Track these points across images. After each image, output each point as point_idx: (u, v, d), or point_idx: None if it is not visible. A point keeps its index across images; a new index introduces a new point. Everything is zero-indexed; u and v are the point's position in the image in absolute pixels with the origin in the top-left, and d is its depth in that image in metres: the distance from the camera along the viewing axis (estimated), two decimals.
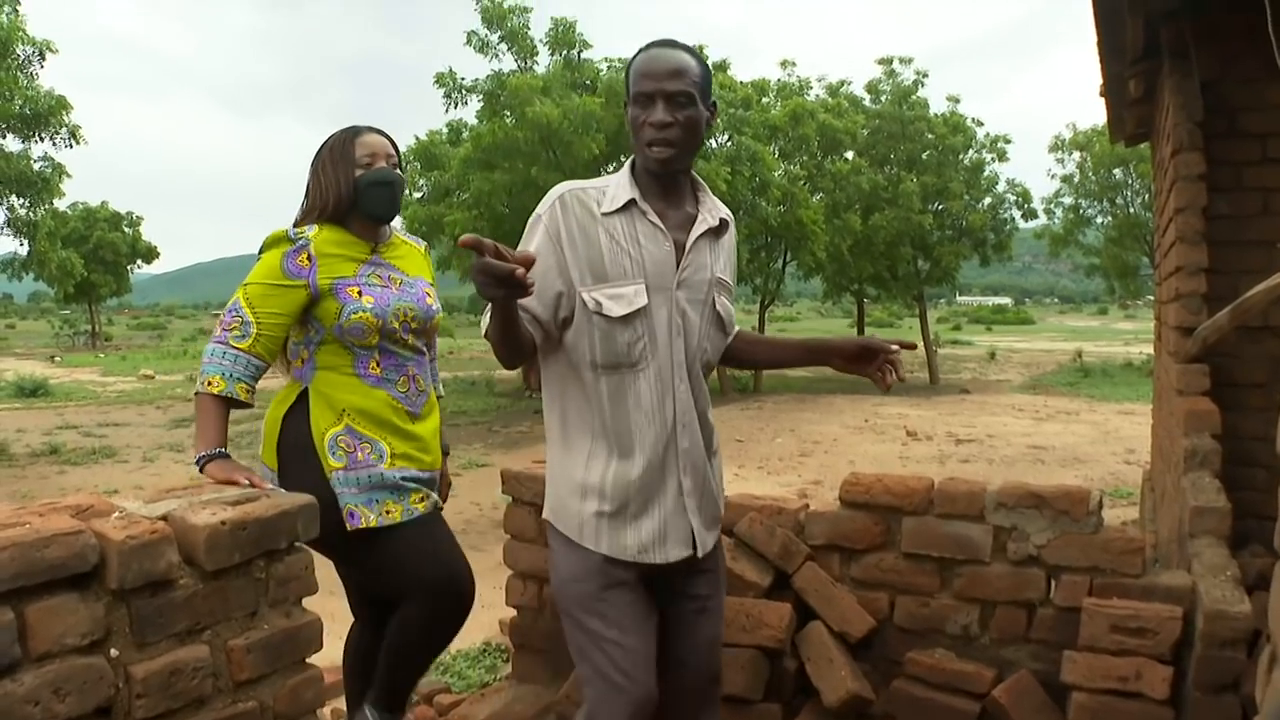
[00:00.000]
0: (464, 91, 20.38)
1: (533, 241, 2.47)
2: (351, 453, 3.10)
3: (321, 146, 3.27)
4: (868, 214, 27.53)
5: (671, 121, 2.47)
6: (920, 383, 29.21)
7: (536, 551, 3.95)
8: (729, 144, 22.80)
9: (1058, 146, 34.53)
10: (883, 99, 29.83)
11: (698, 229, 2.61)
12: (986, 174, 30.10)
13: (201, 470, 2.95)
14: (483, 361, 35.16)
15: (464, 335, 56.37)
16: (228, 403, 3.02)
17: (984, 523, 3.59)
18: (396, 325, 3.17)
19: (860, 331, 34.27)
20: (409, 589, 3.18)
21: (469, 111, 22.51)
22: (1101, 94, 6.79)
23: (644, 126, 2.49)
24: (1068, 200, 34.94)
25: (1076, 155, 34.16)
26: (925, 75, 29.60)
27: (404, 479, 3.16)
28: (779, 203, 23.51)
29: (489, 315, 2.34)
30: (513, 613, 4.30)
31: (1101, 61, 5.88)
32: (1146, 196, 31.57)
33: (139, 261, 56.63)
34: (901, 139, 28.98)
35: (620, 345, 2.49)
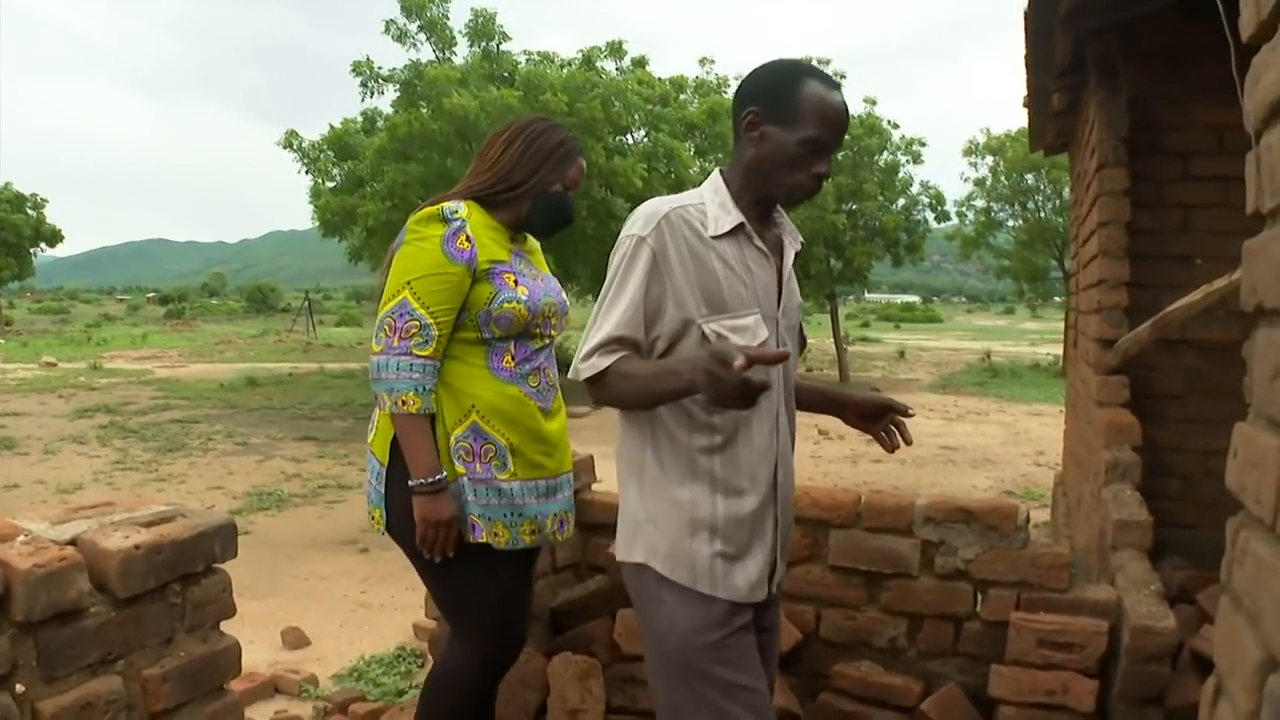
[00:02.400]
0: (381, 81, 20.15)
1: (638, 265, 2.30)
2: (470, 462, 2.88)
3: (540, 129, 3.04)
4: None
5: (828, 175, 2.42)
6: (830, 380, 29.42)
7: None
8: (645, 140, 22.76)
9: (971, 150, 35.00)
10: None
11: (789, 253, 2.55)
12: (901, 176, 30.34)
13: (413, 494, 2.81)
14: None
15: (372, 325, 55.93)
16: (429, 419, 2.84)
17: (912, 536, 3.58)
18: (540, 321, 2.98)
19: None
20: (466, 624, 3.02)
21: (385, 101, 22.28)
22: (1025, 104, 6.87)
23: (803, 171, 2.36)
24: (980, 203, 35.48)
25: (989, 159, 34.68)
26: (843, 76, 29.75)
27: (523, 498, 2.95)
28: None
29: (626, 373, 2.27)
30: (422, 614, 4.22)
31: (1028, 73, 5.95)
32: (1057, 202, 32.12)
33: (42, 244, 55.37)
34: None
35: None
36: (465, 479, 2.86)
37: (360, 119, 22.65)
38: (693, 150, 25.00)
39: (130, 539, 2.37)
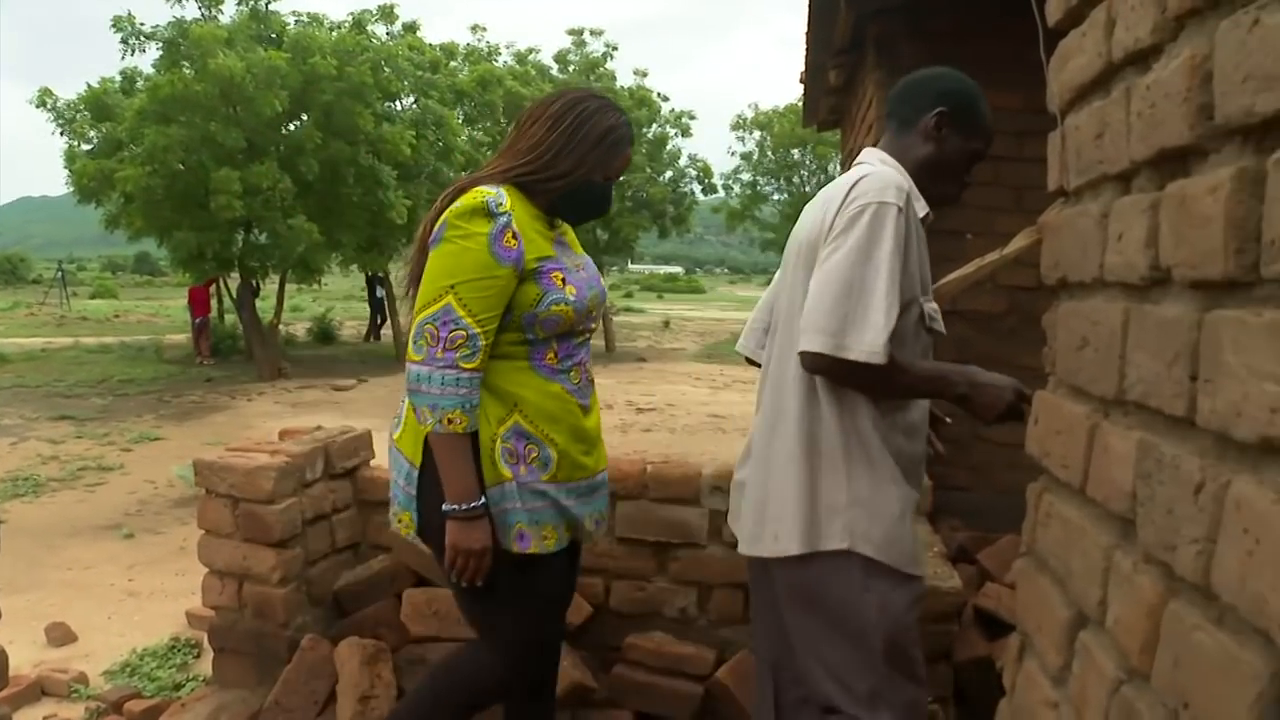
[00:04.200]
0: (142, 38, 19.26)
1: (899, 236, 2.23)
2: (515, 463, 2.64)
3: (592, 109, 2.74)
4: None
5: None
6: (597, 350, 29.48)
7: (234, 547, 3.71)
8: (415, 107, 22.48)
9: (740, 125, 35.77)
10: (570, 69, 30.03)
11: None
12: (669, 148, 30.69)
13: (446, 519, 2.58)
14: (151, 326, 33.38)
15: (130, 297, 53.53)
16: (471, 437, 2.58)
17: (700, 506, 3.61)
18: (585, 318, 2.74)
19: None
20: (498, 639, 2.81)
21: (146, 60, 21.40)
22: (801, 80, 7.02)
23: (958, 183, 2.59)
24: (746, 177, 36.30)
25: (757, 134, 35.48)
26: (615, 48, 29.96)
27: (565, 499, 2.74)
28: (462, 168, 23.17)
29: (902, 368, 2.27)
30: (198, 600, 4.08)
31: (807, 50, 6.07)
32: (822, 177, 33.05)
33: None
34: None
35: (930, 358, 2.42)
36: (513, 483, 2.64)
37: (120, 78, 21.70)
38: (462, 118, 24.85)
39: None
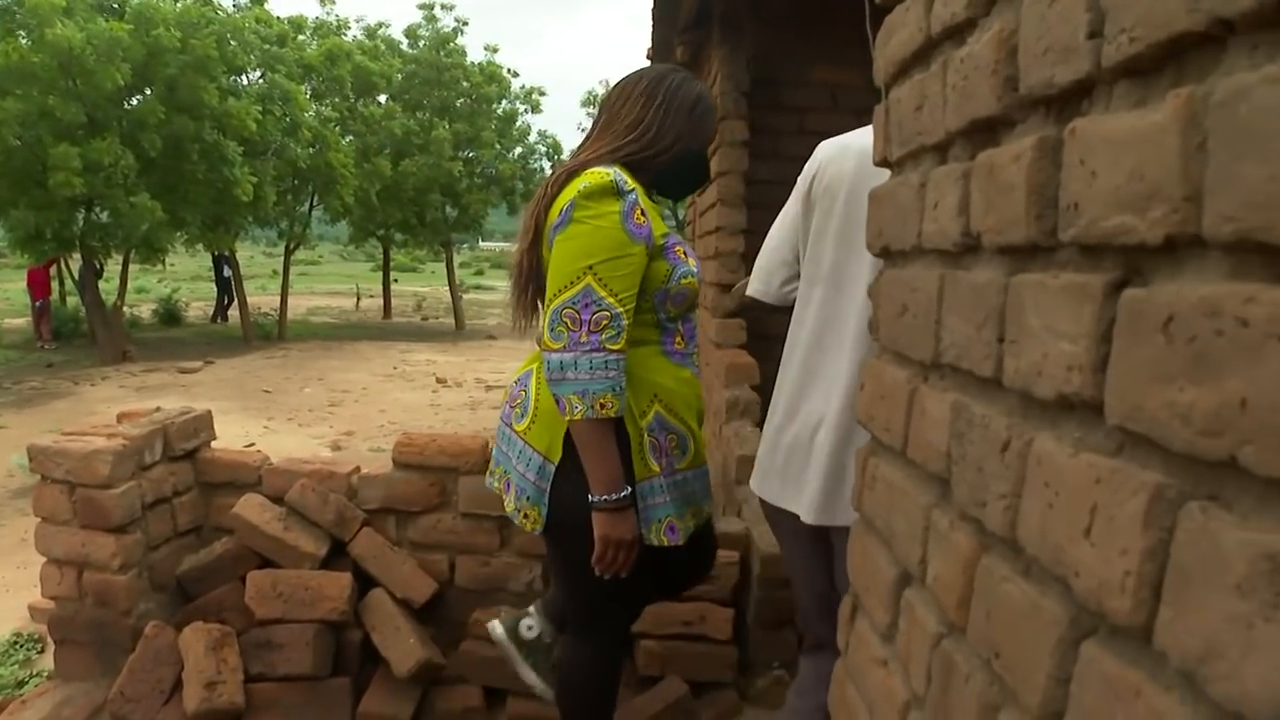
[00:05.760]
0: None
1: None
2: (660, 457, 2.60)
3: (678, 81, 2.70)
4: (398, 159, 27.32)
5: None
6: (446, 329, 29.32)
7: (72, 534, 3.60)
8: (261, 82, 22.04)
9: (590, 101, 35.75)
10: (421, 44, 29.72)
11: None
12: (519, 124, 30.62)
13: (594, 511, 2.48)
14: None
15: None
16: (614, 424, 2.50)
17: None
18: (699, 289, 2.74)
19: (385, 276, 34.36)
20: (604, 623, 2.83)
21: None
22: (649, 56, 7.04)
23: None
24: None
25: None
26: (466, 23, 29.75)
27: (694, 485, 2.73)
28: (309, 144, 22.87)
29: None
30: (37, 594, 3.96)
31: (654, 25, 6.10)
32: None
33: None
34: (437, 85, 28.96)
35: None
36: (660, 477, 2.61)
37: None
38: (309, 93, 24.43)
39: None
